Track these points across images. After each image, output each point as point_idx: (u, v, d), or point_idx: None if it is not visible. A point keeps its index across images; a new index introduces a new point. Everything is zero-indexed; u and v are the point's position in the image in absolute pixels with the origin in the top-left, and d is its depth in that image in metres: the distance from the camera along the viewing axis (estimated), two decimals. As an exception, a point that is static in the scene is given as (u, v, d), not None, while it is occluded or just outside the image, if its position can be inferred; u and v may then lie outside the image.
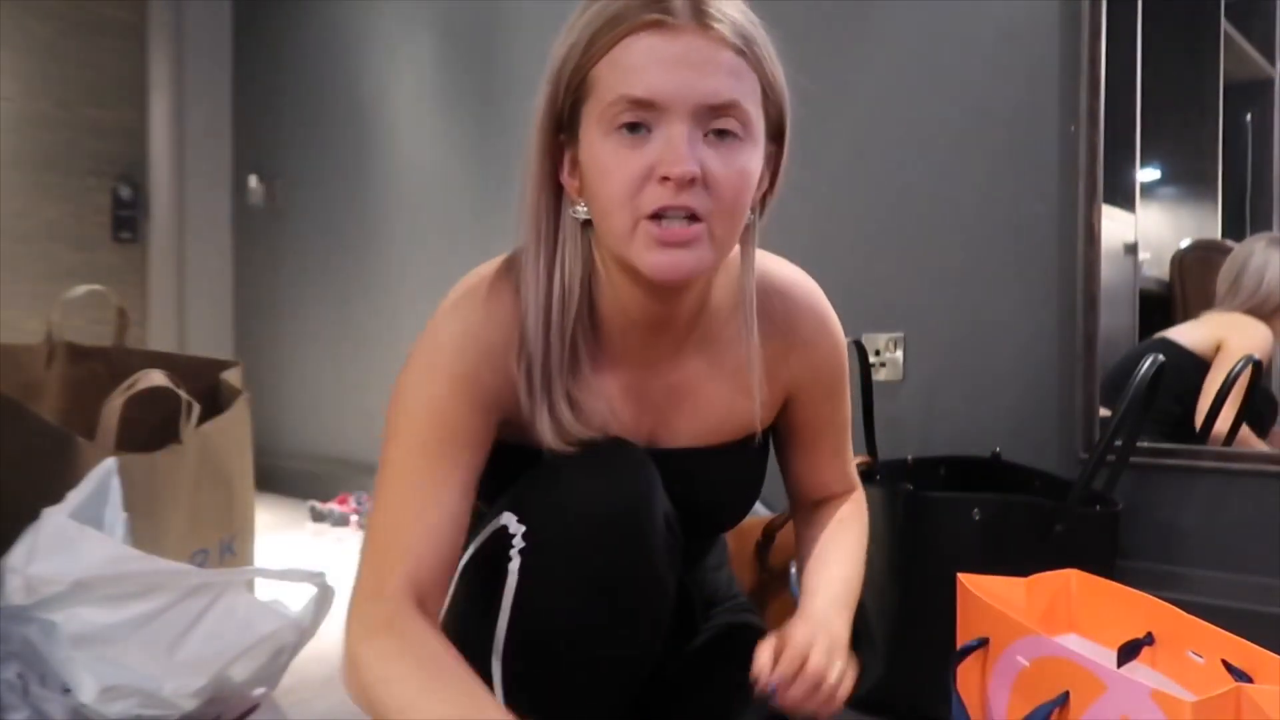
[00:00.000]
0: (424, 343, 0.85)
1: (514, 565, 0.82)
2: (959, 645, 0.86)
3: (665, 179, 0.76)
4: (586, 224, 0.84)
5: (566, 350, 0.84)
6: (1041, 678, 0.73)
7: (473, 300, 0.85)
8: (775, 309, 0.93)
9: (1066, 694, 0.70)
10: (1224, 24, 1.89)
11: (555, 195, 0.84)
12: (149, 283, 3.84)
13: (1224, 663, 0.75)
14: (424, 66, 3.13)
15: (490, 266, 0.88)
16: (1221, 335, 1.77)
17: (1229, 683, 0.70)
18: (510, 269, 0.87)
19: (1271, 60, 1.90)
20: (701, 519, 0.94)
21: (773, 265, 0.95)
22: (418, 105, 3.16)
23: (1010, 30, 1.83)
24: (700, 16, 0.76)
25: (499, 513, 0.85)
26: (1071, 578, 0.89)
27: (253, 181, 3.80)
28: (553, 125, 0.82)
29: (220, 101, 3.94)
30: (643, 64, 0.76)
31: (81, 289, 1.91)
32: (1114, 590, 0.86)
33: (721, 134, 0.78)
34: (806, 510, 1.07)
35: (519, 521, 0.83)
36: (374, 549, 0.82)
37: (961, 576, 0.89)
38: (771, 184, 0.88)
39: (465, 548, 0.87)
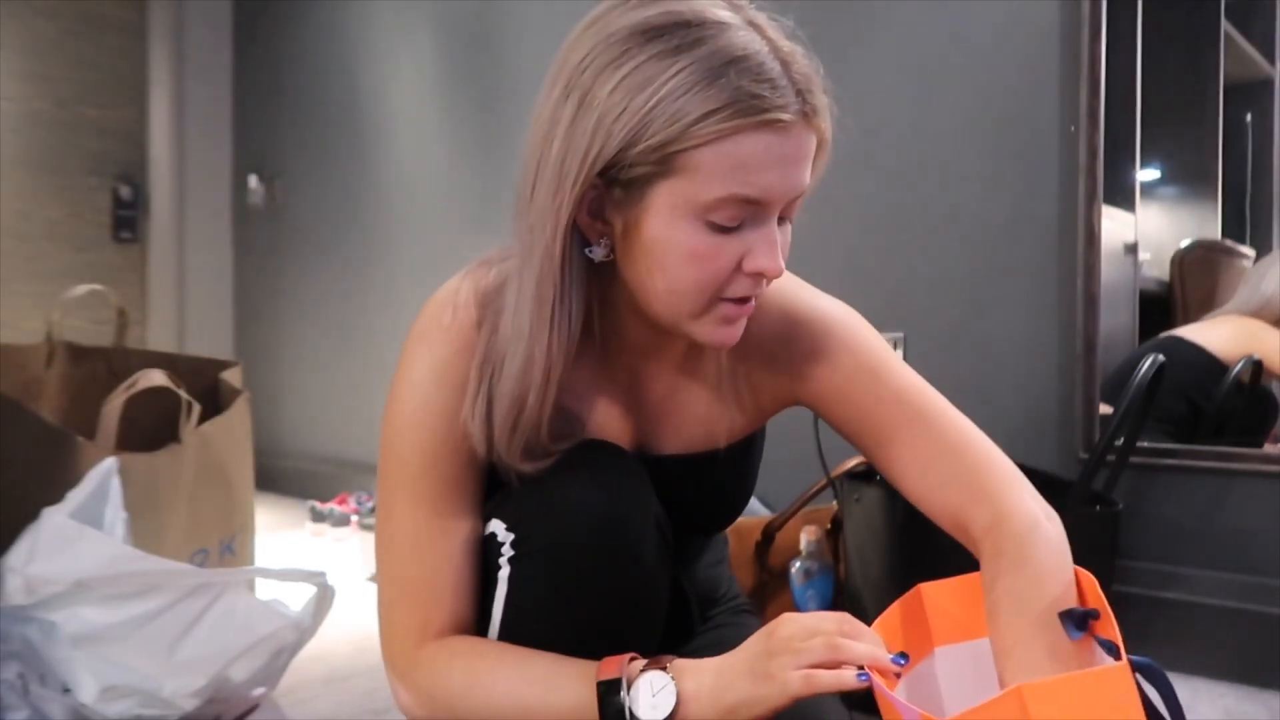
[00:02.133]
0: (400, 380, 0.84)
1: (504, 574, 0.82)
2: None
3: (758, 274, 0.76)
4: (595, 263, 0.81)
5: (554, 392, 0.81)
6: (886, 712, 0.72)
7: (443, 332, 0.83)
8: (773, 327, 0.90)
9: None
10: (1224, 24, 1.90)
11: (570, 234, 0.77)
12: (149, 283, 3.84)
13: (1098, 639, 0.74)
14: (424, 66, 3.14)
15: (449, 291, 0.86)
16: (1247, 346, 1.75)
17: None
18: (478, 293, 0.84)
19: (1271, 60, 1.90)
20: (691, 522, 0.93)
21: (804, 295, 0.93)
22: (417, 105, 3.16)
23: (1010, 30, 1.83)
24: (806, 112, 0.74)
25: (486, 520, 0.85)
26: (920, 593, 0.86)
27: (253, 181, 3.81)
28: (594, 170, 0.74)
29: (220, 101, 3.94)
30: (761, 165, 0.72)
31: (81, 289, 1.91)
32: (958, 585, 0.85)
33: (787, 217, 0.80)
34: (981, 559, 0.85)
35: (507, 529, 0.82)
36: (402, 602, 0.83)
37: (922, 588, 0.87)
38: None
39: None
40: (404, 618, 0.83)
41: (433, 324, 0.84)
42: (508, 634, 0.82)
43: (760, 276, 0.77)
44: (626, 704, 0.72)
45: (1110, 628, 0.72)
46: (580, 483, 0.81)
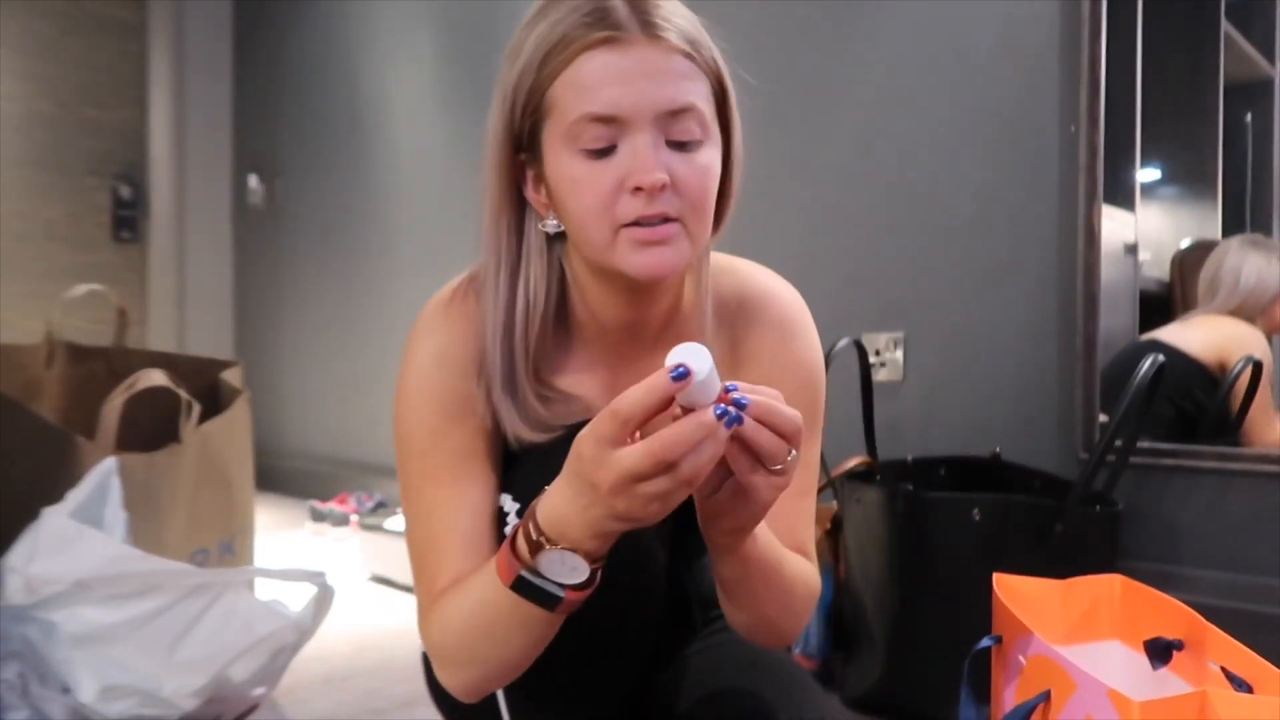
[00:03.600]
0: (406, 369, 0.88)
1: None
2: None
3: (638, 189, 0.77)
4: (555, 236, 0.87)
5: (531, 361, 0.86)
6: (1034, 676, 0.73)
7: (441, 320, 0.89)
8: (745, 308, 0.93)
9: (1048, 693, 0.70)
10: (1224, 24, 1.89)
11: (518, 212, 0.86)
12: (149, 283, 3.84)
13: (1224, 670, 0.75)
14: (424, 66, 3.13)
15: (450, 287, 0.92)
16: (1221, 346, 1.76)
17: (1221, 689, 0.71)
18: (472, 284, 0.90)
19: (1271, 60, 1.90)
20: (688, 515, 0.94)
21: (745, 268, 0.96)
22: (417, 105, 3.16)
23: (1010, 30, 1.83)
24: (647, 27, 0.78)
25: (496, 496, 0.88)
26: (1115, 583, 0.88)
27: (253, 181, 3.81)
28: (511, 145, 0.84)
29: (220, 101, 3.94)
30: (600, 81, 0.77)
31: (81, 289, 1.91)
32: (1156, 598, 0.86)
33: (683, 136, 0.80)
34: None
35: (513, 500, 0.85)
36: (422, 570, 0.86)
37: (997, 576, 0.89)
38: (728, 179, 0.87)
39: None
40: (420, 589, 0.86)
41: (431, 316, 0.89)
42: None
43: (643, 193, 0.77)
44: (555, 589, 0.71)
45: (1244, 662, 0.73)
46: None
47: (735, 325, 0.93)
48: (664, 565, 0.89)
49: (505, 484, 0.87)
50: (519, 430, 0.85)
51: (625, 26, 0.77)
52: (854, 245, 2.04)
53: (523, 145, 0.84)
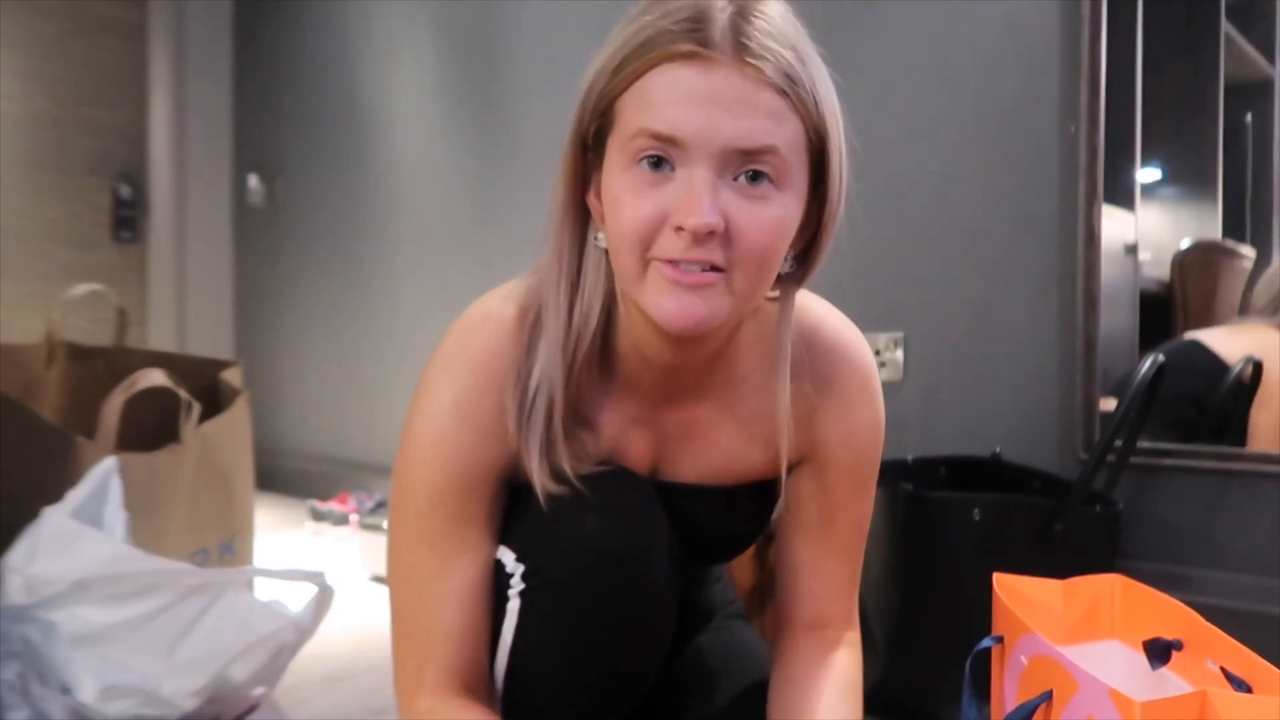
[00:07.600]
0: (417, 410, 0.81)
1: (513, 606, 0.80)
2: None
3: (680, 229, 0.69)
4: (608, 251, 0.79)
5: (574, 386, 0.80)
6: (1036, 676, 0.74)
7: (465, 360, 0.80)
8: (813, 360, 0.87)
9: (1049, 693, 0.71)
10: (1224, 24, 1.89)
11: (580, 219, 0.78)
12: (149, 283, 3.84)
13: (1223, 671, 0.75)
14: (424, 66, 3.13)
15: (494, 301, 0.83)
16: (1259, 356, 1.71)
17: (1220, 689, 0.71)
18: (519, 301, 0.82)
19: (1271, 60, 1.90)
20: (696, 553, 0.91)
21: (819, 311, 0.91)
22: (418, 104, 3.16)
23: (1010, 30, 1.83)
24: (739, 50, 0.69)
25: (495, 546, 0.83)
26: (1115, 583, 0.88)
27: (253, 181, 3.80)
28: (579, 146, 0.76)
29: (220, 101, 3.93)
30: (668, 98, 0.69)
31: (81, 289, 1.91)
32: (1156, 598, 0.86)
33: (754, 179, 0.71)
34: (794, 635, 0.93)
35: (517, 560, 0.80)
36: (404, 643, 0.82)
37: (997, 576, 0.89)
38: (818, 233, 0.81)
39: None
40: (403, 661, 0.81)
41: (460, 351, 0.81)
42: (516, 665, 0.81)
43: (685, 234, 0.69)
44: None
45: (1237, 660, 0.73)
46: (591, 512, 0.78)
47: (802, 371, 0.86)
48: (676, 602, 0.85)
49: (506, 533, 0.83)
50: (537, 474, 0.78)
51: (715, 45, 0.68)
52: (854, 245, 2.03)
53: (589, 147, 0.77)
